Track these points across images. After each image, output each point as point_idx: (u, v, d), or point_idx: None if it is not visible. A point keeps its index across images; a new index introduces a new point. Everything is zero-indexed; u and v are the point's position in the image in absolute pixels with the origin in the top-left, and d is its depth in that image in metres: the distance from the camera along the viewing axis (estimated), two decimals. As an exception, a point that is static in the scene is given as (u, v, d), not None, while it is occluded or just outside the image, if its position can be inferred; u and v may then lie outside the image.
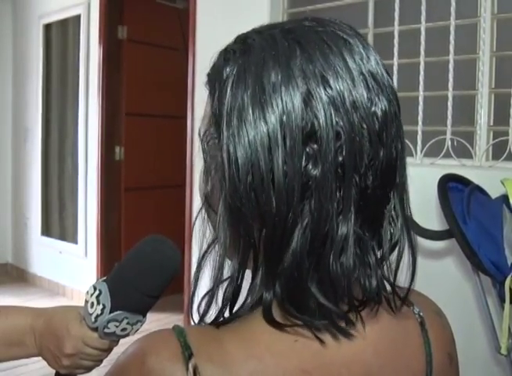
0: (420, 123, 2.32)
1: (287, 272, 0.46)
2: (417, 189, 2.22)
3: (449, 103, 2.23)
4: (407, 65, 2.38)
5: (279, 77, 0.46)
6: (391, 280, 0.52)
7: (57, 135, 4.46)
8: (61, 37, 4.37)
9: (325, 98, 0.45)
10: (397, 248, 0.51)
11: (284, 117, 0.45)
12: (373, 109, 0.47)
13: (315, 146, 0.45)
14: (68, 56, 4.31)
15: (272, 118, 0.45)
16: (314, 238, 0.46)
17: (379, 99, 0.48)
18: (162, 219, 4.08)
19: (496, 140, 2.15)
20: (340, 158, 0.45)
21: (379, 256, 0.50)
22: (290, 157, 0.45)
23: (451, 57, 2.22)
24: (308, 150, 0.45)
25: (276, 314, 0.48)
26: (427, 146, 2.29)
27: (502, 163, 2.09)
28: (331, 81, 0.46)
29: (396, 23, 2.37)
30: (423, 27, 2.29)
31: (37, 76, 4.54)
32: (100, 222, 3.95)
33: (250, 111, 0.46)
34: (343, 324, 0.49)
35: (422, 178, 2.14)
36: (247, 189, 0.46)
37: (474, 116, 2.20)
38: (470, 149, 2.19)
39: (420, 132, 2.32)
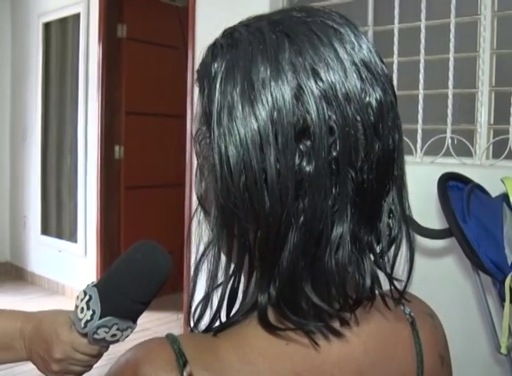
0: (420, 121, 2.31)
1: (283, 274, 0.45)
2: (417, 188, 2.22)
3: (449, 102, 2.23)
4: (407, 63, 2.37)
5: (268, 72, 0.44)
6: (390, 274, 0.51)
7: (56, 134, 4.45)
8: (60, 35, 4.37)
9: (316, 91, 0.44)
10: (394, 242, 0.50)
11: (275, 114, 0.44)
12: (367, 99, 0.45)
13: (308, 142, 0.44)
14: (67, 54, 4.30)
15: (263, 115, 0.44)
16: (309, 237, 0.45)
17: (373, 89, 0.46)
18: (162, 218, 4.08)
19: (497, 139, 2.14)
20: (335, 153, 0.44)
21: (378, 251, 0.49)
22: (282, 154, 0.43)
23: (451, 55, 2.21)
24: (301, 146, 0.44)
25: (271, 317, 0.48)
26: (427, 144, 2.28)
27: (502, 161, 2.09)
28: (322, 74, 0.44)
29: (396, 20, 2.37)
30: (423, 24, 2.28)
31: (36, 75, 4.54)
32: (100, 221, 3.94)
33: (240, 108, 0.45)
34: (337, 324, 0.48)
35: (422, 177, 2.13)
36: (241, 189, 0.45)
37: (475, 114, 2.20)
38: (471, 147, 2.19)
39: (420, 131, 2.31)
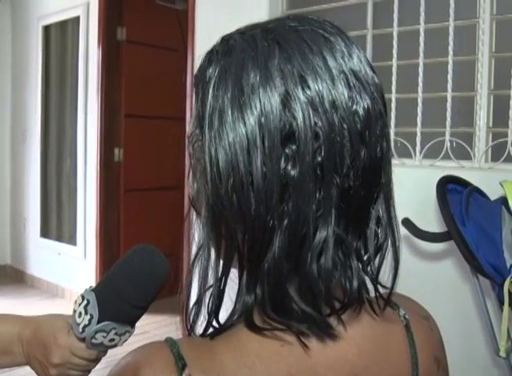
0: (419, 124, 2.32)
1: (267, 276, 0.46)
2: (416, 191, 2.22)
3: (448, 105, 2.23)
4: (406, 66, 2.38)
5: (258, 78, 0.46)
6: (375, 280, 0.51)
7: (56, 136, 4.46)
8: (60, 38, 4.38)
9: (303, 98, 0.45)
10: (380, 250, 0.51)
11: (262, 119, 0.45)
12: (354, 108, 0.46)
13: (294, 146, 0.45)
14: (67, 57, 4.31)
15: (251, 120, 0.45)
16: (292, 240, 0.46)
17: (361, 97, 0.47)
18: (161, 221, 4.08)
19: (495, 142, 2.15)
20: (319, 159, 0.45)
21: (365, 257, 0.50)
22: (268, 158, 0.45)
23: (450, 58, 2.22)
24: (286, 151, 0.45)
25: (258, 318, 0.48)
26: (426, 147, 2.29)
27: (501, 164, 2.09)
28: (310, 81, 0.45)
29: (395, 24, 2.37)
30: (422, 28, 2.29)
31: (36, 77, 4.54)
32: (99, 224, 3.94)
33: (230, 113, 0.46)
34: (329, 326, 0.49)
35: (421, 180, 2.14)
36: (229, 191, 0.46)
37: (473, 117, 2.20)
38: (470, 150, 2.19)
39: (419, 134, 2.32)
